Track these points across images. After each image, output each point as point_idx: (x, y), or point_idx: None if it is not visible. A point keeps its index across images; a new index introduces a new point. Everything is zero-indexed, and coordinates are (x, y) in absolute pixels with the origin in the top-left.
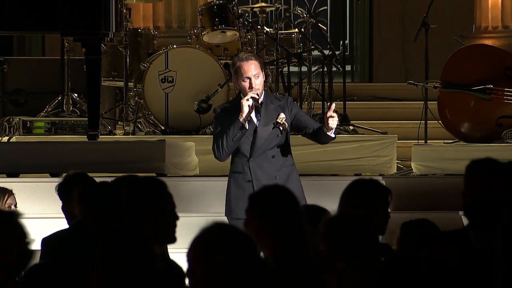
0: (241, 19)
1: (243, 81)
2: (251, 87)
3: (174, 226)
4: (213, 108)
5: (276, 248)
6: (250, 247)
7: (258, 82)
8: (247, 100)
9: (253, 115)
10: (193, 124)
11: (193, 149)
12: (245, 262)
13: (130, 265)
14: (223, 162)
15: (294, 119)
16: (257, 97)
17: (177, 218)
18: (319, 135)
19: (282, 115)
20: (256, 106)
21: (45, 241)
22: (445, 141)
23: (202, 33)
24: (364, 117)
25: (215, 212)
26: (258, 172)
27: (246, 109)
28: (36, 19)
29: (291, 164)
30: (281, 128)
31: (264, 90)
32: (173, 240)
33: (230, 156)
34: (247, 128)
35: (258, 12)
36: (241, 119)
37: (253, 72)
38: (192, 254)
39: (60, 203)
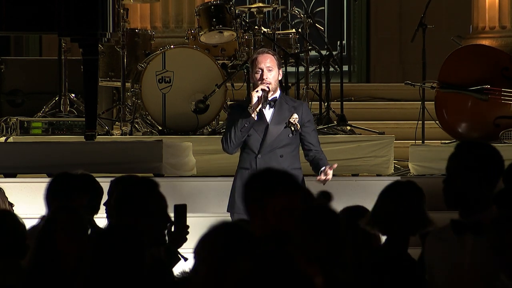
0: (238, 20)
1: (256, 72)
2: (261, 78)
3: (164, 228)
4: (229, 105)
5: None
6: (255, 247)
7: (271, 76)
8: (257, 91)
9: (267, 112)
10: (191, 124)
11: (191, 150)
12: (250, 263)
13: (117, 263)
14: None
15: (302, 129)
16: (267, 89)
17: (168, 220)
18: (313, 166)
19: (296, 116)
20: (265, 97)
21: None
22: (442, 141)
23: (200, 34)
24: (362, 117)
25: (213, 213)
26: None
27: (254, 99)
28: (33, 19)
29: (298, 168)
30: (293, 129)
31: (280, 90)
32: (163, 242)
33: (239, 152)
34: (255, 119)
35: (255, 13)
36: (249, 109)
37: (267, 64)
38: (196, 253)
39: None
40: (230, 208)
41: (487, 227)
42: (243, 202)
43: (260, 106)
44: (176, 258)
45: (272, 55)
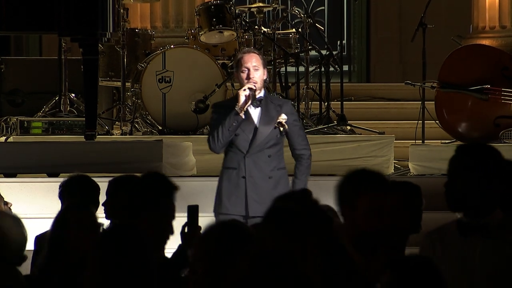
0: (238, 19)
1: (242, 71)
2: (248, 78)
3: (172, 218)
4: (211, 104)
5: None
6: (253, 247)
7: (257, 75)
8: (244, 90)
9: (254, 112)
10: (191, 124)
11: (191, 149)
12: (248, 262)
13: (123, 262)
14: (218, 155)
15: (289, 128)
16: (254, 88)
17: (173, 211)
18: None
19: (284, 116)
20: (253, 95)
21: (39, 239)
22: (442, 141)
23: (200, 33)
24: (362, 117)
25: (213, 212)
26: (253, 169)
27: (242, 99)
28: (33, 19)
29: (283, 167)
30: (282, 129)
31: (264, 89)
32: (171, 231)
33: (224, 151)
34: (243, 117)
35: (255, 12)
36: (237, 109)
37: (253, 64)
38: (194, 252)
39: (57, 203)
40: (217, 208)
41: (494, 229)
42: (337, 202)
43: (247, 105)
44: (189, 258)
45: (258, 54)
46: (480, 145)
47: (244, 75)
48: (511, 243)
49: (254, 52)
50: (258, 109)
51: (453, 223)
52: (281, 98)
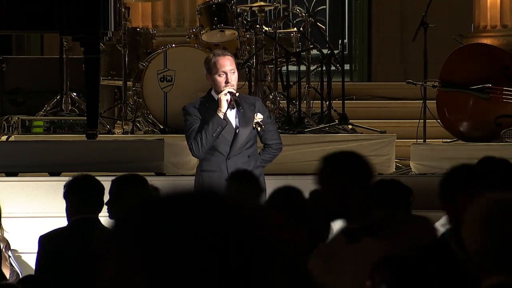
0: (240, 18)
1: (219, 75)
2: (227, 82)
3: None
4: (182, 107)
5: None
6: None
7: (234, 78)
8: (225, 94)
9: (230, 114)
10: None
11: None
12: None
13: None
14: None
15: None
16: (234, 91)
17: None
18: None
19: (260, 116)
20: (235, 100)
21: (43, 239)
22: (444, 140)
23: (201, 32)
24: (363, 116)
25: None
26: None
27: (224, 104)
28: (35, 18)
29: (259, 166)
30: (259, 129)
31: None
32: None
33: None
34: (227, 122)
35: (257, 11)
36: (220, 114)
37: (229, 67)
38: None
39: (58, 202)
40: None
41: (376, 229)
42: (440, 196)
43: (228, 108)
44: None
45: (231, 56)
46: (343, 152)
47: (221, 79)
48: (394, 238)
49: (228, 55)
50: (234, 110)
51: (338, 235)
52: (250, 96)
